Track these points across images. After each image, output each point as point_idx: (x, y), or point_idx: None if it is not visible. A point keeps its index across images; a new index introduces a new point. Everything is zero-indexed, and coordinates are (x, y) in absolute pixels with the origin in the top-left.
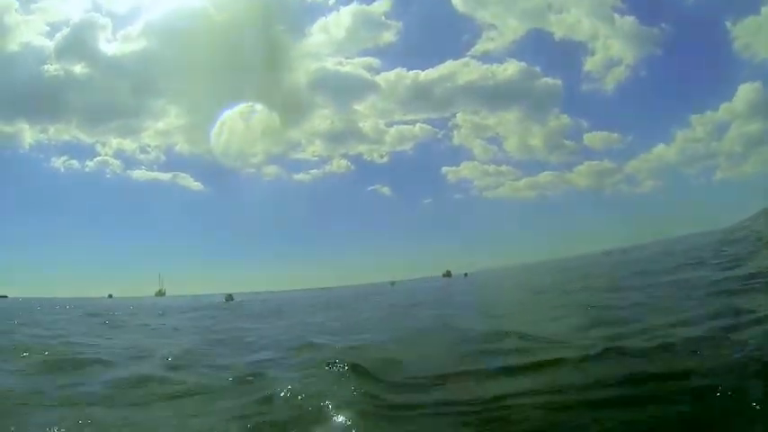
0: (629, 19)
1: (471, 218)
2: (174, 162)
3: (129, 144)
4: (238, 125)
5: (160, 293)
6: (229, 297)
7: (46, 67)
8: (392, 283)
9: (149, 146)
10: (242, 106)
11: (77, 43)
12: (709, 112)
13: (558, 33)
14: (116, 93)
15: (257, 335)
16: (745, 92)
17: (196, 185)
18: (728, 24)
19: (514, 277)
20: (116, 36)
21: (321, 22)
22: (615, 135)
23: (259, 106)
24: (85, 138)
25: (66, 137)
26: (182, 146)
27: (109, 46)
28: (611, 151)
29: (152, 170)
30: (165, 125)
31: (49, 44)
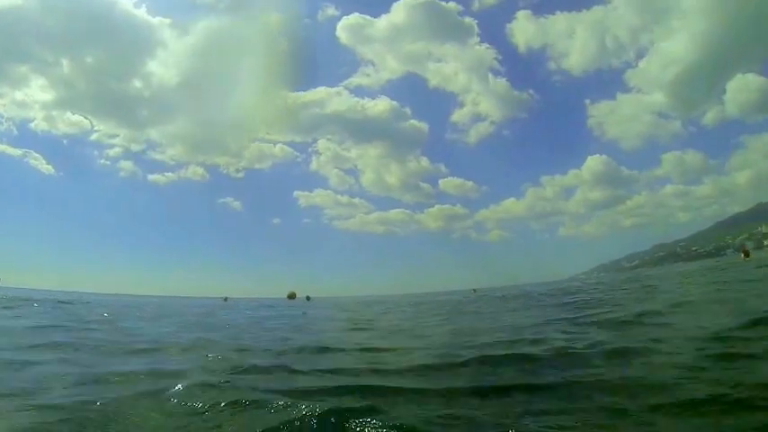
0: (502, 81)
1: (319, 244)
2: (27, 139)
3: None
4: None
5: None
6: None
7: None
8: (225, 299)
9: (2, 116)
10: None
11: None
12: (558, 175)
13: (433, 81)
14: None
15: None
16: (593, 162)
17: (47, 168)
18: (587, 102)
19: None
20: None
21: (203, 23)
22: (470, 184)
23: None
24: None
25: None
26: (38, 123)
27: None
28: (465, 198)
29: (1, 142)
30: (25, 96)
31: None
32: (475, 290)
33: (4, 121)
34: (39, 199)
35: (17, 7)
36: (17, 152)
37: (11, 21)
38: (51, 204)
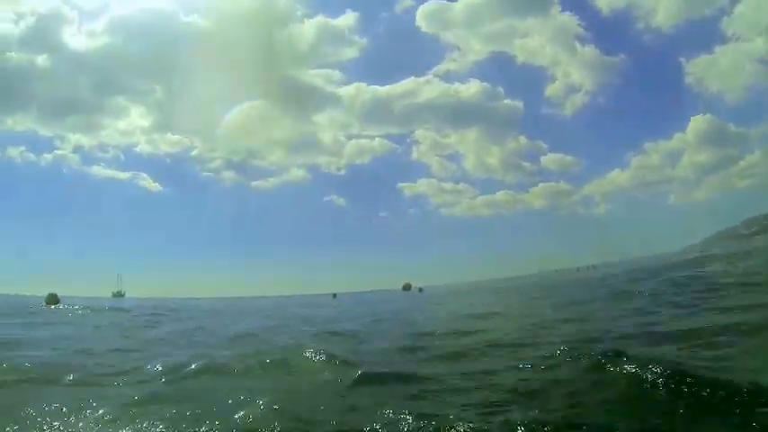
0: (590, 48)
1: (427, 233)
2: (133, 162)
3: (87, 141)
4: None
5: (118, 294)
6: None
7: (9, 54)
8: (334, 295)
9: (109, 144)
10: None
11: (43, 33)
12: (662, 140)
13: (521, 57)
14: (77, 87)
15: None
16: (697, 123)
17: (155, 186)
18: (683, 60)
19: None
20: (81, 30)
21: (285, 32)
22: (571, 158)
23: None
24: (44, 131)
25: (22, 128)
26: (142, 147)
27: (73, 39)
28: (568, 174)
29: (111, 168)
30: (126, 125)
31: (15, 31)
32: (594, 266)
33: (111, 149)
34: (150, 214)
35: (105, 45)
36: (126, 175)
37: (103, 59)
38: (162, 218)
